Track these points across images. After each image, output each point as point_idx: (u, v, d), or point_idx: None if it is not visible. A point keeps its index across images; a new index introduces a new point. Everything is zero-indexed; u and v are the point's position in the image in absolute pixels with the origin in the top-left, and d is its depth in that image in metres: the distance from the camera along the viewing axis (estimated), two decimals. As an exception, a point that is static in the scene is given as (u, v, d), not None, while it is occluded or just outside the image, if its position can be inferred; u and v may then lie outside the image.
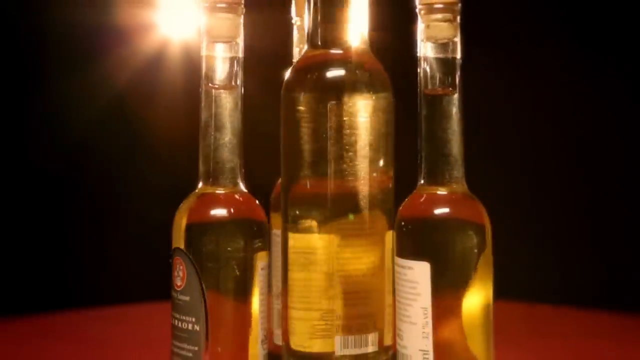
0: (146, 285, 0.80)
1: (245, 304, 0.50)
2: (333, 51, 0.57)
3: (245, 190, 0.53)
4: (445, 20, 0.51)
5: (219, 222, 0.50)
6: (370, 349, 0.56)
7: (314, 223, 0.56)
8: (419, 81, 0.51)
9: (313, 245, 0.56)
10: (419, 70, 0.51)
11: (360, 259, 0.56)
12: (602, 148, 1.06)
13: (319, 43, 0.57)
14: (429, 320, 0.49)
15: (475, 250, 0.50)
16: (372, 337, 0.56)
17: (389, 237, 0.55)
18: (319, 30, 0.57)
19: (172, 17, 1.03)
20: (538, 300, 0.96)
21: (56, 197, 1.02)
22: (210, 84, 0.52)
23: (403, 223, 0.51)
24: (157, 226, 0.54)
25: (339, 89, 0.56)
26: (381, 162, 0.57)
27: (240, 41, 0.52)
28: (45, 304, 0.93)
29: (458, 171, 0.51)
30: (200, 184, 0.52)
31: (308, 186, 0.56)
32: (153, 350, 0.72)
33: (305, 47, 0.58)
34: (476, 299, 0.50)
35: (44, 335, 0.84)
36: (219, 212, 0.51)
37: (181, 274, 0.50)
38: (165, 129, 0.96)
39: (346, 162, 0.56)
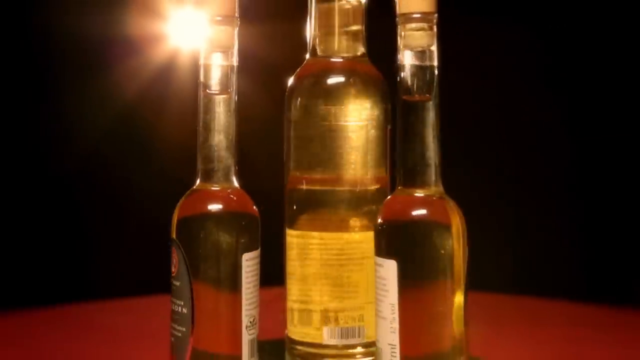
0: (152, 278, 0.86)
1: (229, 292, 0.55)
2: (332, 59, 0.60)
3: (238, 187, 0.57)
4: (421, 29, 0.53)
5: (206, 214, 0.55)
6: (356, 341, 0.59)
7: (307, 220, 0.60)
8: (397, 88, 0.54)
9: (305, 240, 0.60)
10: (397, 77, 0.54)
11: (348, 256, 0.59)
12: (572, 145, 1.11)
13: (319, 52, 0.61)
14: (396, 316, 0.52)
15: (442, 250, 0.51)
16: (358, 330, 0.59)
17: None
18: (318, 40, 0.60)
19: (181, 28, 1.10)
20: (520, 292, 1.00)
21: (70, 199, 1.10)
22: (207, 90, 0.56)
23: (378, 222, 0.53)
24: (163, 223, 0.59)
25: (333, 95, 0.59)
26: (373, 165, 0.60)
27: (235, 51, 0.57)
28: (58, 297, 0.99)
29: (434, 174, 0.53)
30: (197, 182, 0.57)
31: (303, 185, 0.60)
32: (156, 339, 0.76)
33: (308, 55, 0.61)
34: (443, 295, 0.51)
35: (56, 326, 0.90)
36: (207, 206, 0.55)
37: (174, 262, 0.56)
38: (171, 133, 1.02)
39: (338, 164, 0.59)
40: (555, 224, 1.09)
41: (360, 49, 0.61)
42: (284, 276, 0.62)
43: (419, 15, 0.52)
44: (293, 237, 0.60)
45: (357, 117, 0.59)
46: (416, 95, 0.53)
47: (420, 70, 0.53)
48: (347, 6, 0.60)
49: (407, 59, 0.53)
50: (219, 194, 0.56)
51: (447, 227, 0.52)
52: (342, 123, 0.59)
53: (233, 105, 0.57)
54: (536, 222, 1.09)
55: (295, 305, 0.60)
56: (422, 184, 0.53)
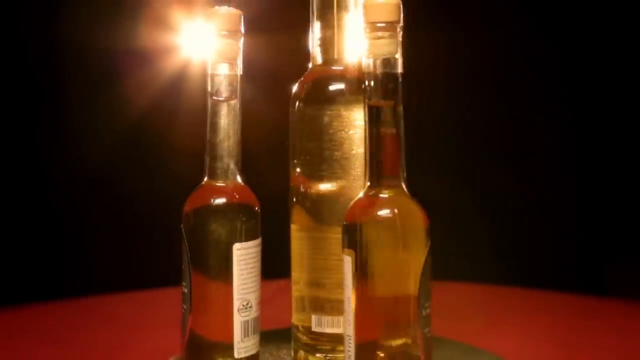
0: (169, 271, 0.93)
1: (221, 277, 0.61)
2: (333, 68, 0.64)
3: (242, 183, 0.64)
4: (386, 38, 0.55)
5: (203, 206, 0.62)
6: (342, 330, 0.62)
7: (306, 216, 0.64)
8: (364, 93, 0.57)
9: (300, 234, 0.65)
10: (364, 83, 0.56)
11: (336, 249, 0.63)
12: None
13: (320, 61, 0.65)
14: (351, 309, 0.55)
15: (390, 249, 0.54)
16: (341, 321, 0.62)
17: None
18: (320, 50, 0.65)
19: (191, 39, 1.19)
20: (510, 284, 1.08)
21: (87, 201, 1.21)
22: (214, 97, 0.63)
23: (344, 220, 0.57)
24: (174, 220, 0.68)
25: (332, 101, 0.63)
26: None
27: (239, 61, 0.63)
28: (76, 289, 1.11)
29: (397, 175, 0.56)
30: (205, 179, 0.64)
31: (303, 184, 0.65)
32: (169, 328, 0.82)
33: (310, 64, 0.66)
34: (394, 292, 0.54)
35: (79, 315, 1.01)
36: (206, 199, 0.62)
37: (182, 248, 0.63)
38: (183, 136, 1.11)
39: (337, 165, 0.63)
40: (541, 220, 1.18)
41: (359, 58, 0.64)
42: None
43: (384, 24, 0.55)
44: (294, 232, 0.65)
45: (354, 121, 0.63)
46: (381, 101, 0.56)
47: (384, 77, 0.55)
48: (346, 17, 0.63)
49: (372, 66, 0.56)
50: (220, 189, 0.63)
51: (396, 227, 0.54)
52: (340, 127, 0.63)
53: (237, 111, 0.64)
54: (522, 218, 1.17)
55: (295, 294, 0.66)
56: (386, 186, 0.56)
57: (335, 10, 0.63)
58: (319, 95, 0.64)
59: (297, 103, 0.65)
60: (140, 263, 1.19)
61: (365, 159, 0.57)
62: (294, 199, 0.65)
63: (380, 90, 0.56)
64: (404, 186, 0.56)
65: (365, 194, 0.56)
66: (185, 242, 0.63)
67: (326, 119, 0.63)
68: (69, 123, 1.17)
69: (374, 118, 0.56)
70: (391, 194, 0.55)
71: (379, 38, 0.55)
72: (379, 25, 0.55)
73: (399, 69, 0.56)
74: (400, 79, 0.56)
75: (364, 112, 0.57)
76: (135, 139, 1.18)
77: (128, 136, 1.17)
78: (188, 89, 1.11)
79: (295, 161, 0.65)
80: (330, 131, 0.63)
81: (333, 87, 0.63)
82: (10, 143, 1.15)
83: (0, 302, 1.02)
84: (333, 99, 0.63)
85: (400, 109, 0.56)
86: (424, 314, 0.55)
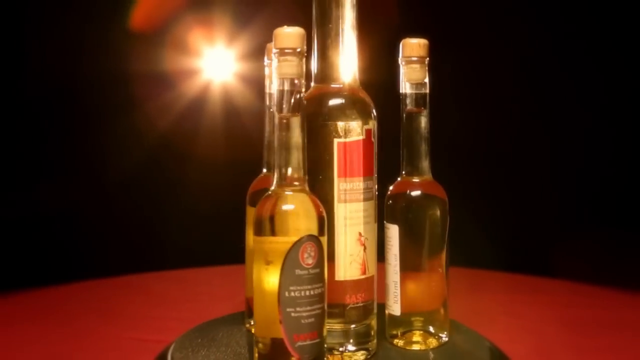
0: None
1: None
2: (332, 86, 0.74)
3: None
4: (290, 61, 0.65)
5: (253, 191, 0.82)
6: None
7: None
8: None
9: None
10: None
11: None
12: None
13: (321, 80, 0.75)
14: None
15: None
16: None
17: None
18: (320, 70, 0.75)
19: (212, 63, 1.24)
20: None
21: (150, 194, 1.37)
22: (271, 110, 0.80)
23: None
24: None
25: (330, 114, 0.73)
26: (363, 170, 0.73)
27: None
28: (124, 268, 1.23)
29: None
30: (264, 170, 0.83)
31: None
32: (193, 302, 0.99)
33: (313, 83, 0.76)
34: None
35: (119, 290, 1.16)
36: (257, 185, 0.82)
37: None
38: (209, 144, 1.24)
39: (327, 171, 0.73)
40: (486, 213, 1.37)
41: (354, 77, 0.72)
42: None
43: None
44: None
45: (348, 132, 0.72)
46: (288, 113, 0.66)
47: (289, 95, 0.66)
48: (342, 43, 0.73)
49: (279, 85, 0.66)
50: (268, 179, 0.80)
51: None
52: (331, 139, 0.72)
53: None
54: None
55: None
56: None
57: (332, 35, 0.73)
58: (321, 110, 0.73)
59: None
60: (170, 247, 1.36)
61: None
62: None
63: (284, 105, 0.66)
64: (305, 184, 0.66)
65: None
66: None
67: (330, 130, 0.72)
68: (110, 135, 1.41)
69: (279, 128, 0.67)
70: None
71: (284, 61, 0.65)
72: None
73: (302, 88, 0.65)
74: (301, 96, 0.65)
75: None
76: (165, 147, 1.37)
77: (158, 144, 1.37)
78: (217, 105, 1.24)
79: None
80: (325, 142, 0.72)
81: (334, 103, 0.73)
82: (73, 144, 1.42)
83: (55, 279, 1.21)
84: (334, 113, 0.72)
85: (302, 120, 0.65)
86: (287, 295, 0.64)
